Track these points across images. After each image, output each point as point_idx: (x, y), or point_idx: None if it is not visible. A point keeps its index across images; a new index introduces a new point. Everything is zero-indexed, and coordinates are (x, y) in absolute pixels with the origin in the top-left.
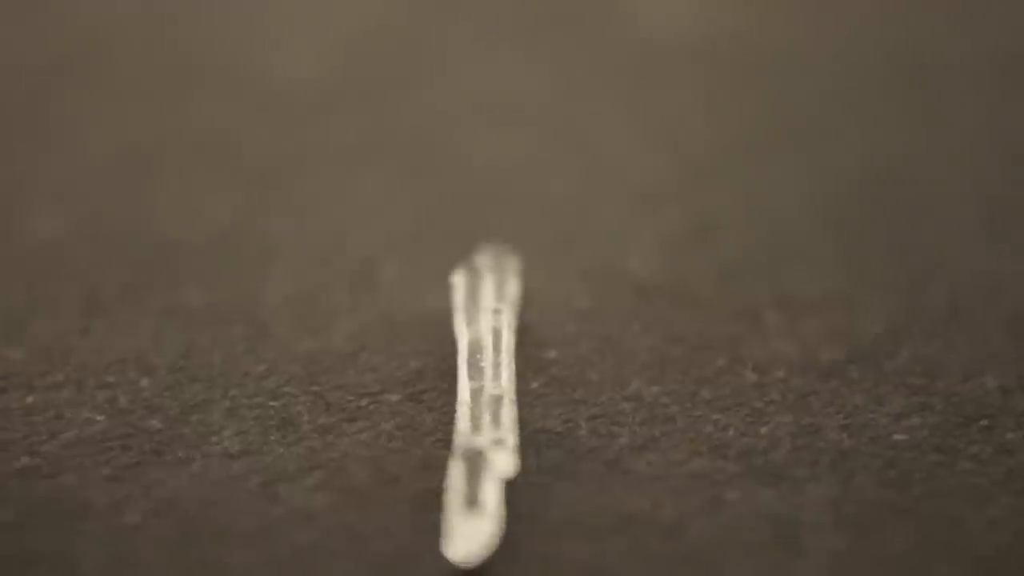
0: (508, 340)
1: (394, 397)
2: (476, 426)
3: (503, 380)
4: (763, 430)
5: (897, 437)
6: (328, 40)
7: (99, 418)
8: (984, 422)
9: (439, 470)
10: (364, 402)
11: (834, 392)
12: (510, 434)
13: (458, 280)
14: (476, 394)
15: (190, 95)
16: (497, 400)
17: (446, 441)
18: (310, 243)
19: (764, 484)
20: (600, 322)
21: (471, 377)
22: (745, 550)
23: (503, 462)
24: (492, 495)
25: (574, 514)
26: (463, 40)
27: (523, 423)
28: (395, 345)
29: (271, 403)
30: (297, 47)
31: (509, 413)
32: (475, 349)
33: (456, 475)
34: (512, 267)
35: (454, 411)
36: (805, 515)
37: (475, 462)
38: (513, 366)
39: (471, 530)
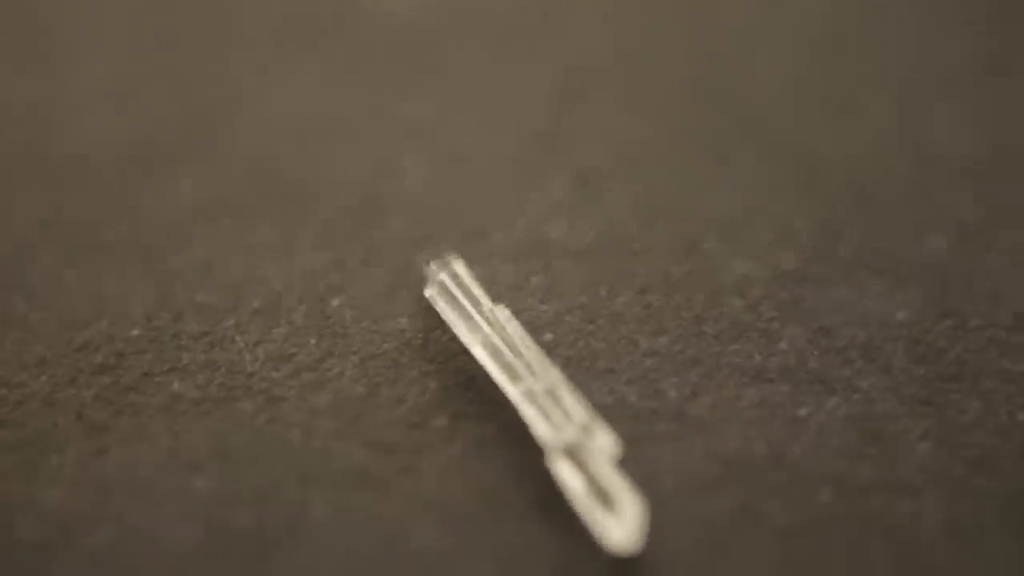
0: (521, 332)
1: (441, 421)
2: (553, 424)
3: (546, 371)
4: (783, 345)
5: (899, 316)
6: None
7: None
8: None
9: (538, 477)
10: (416, 433)
11: (816, 292)
12: (589, 417)
13: (432, 294)
14: (530, 395)
15: None
16: (552, 392)
17: (524, 447)
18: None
19: (822, 391)
20: (567, 295)
21: (512, 380)
22: (841, 454)
23: (607, 444)
24: (616, 478)
25: (681, 473)
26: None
27: None
28: (407, 372)
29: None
30: None
31: (572, 399)
32: (496, 353)
33: (568, 475)
34: (461, 266)
35: (511, 418)
36: (876, 408)
37: (579, 455)
38: (543, 353)
39: (621, 519)
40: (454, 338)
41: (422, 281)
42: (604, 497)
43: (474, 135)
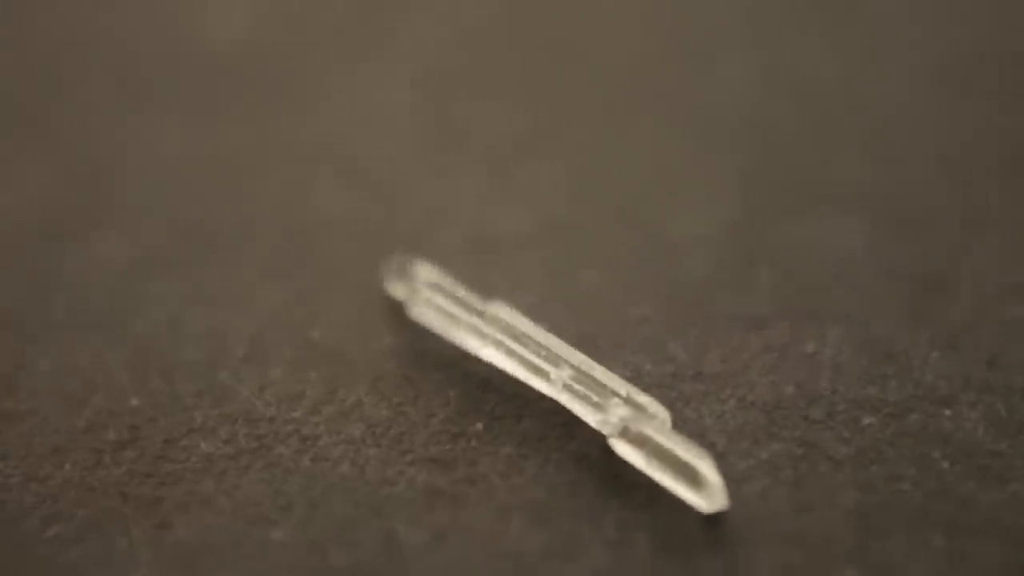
0: (526, 323)
1: (479, 427)
2: (599, 406)
3: (569, 354)
4: (762, 290)
5: (858, 242)
6: None
7: None
8: None
9: (600, 460)
10: (462, 442)
11: (773, 233)
12: (631, 389)
13: (419, 311)
14: (564, 384)
15: None
16: (583, 377)
17: (573, 434)
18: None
19: (819, 325)
20: (534, 284)
21: (537, 375)
22: (864, 380)
23: (658, 413)
24: (679, 442)
25: (727, 429)
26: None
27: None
28: (422, 386)
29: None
30: None
31: (605, 377)
32: (510, 352)
33: (632, 452)
34: (429, 272)
35: (546, 409)
36: (874, 331)
37: (636, 430)
38: (554, 338)
39: (702, 480)
40: (447, 345)
41: (385, 296)
42: (677, 463)
43: (371, 146)
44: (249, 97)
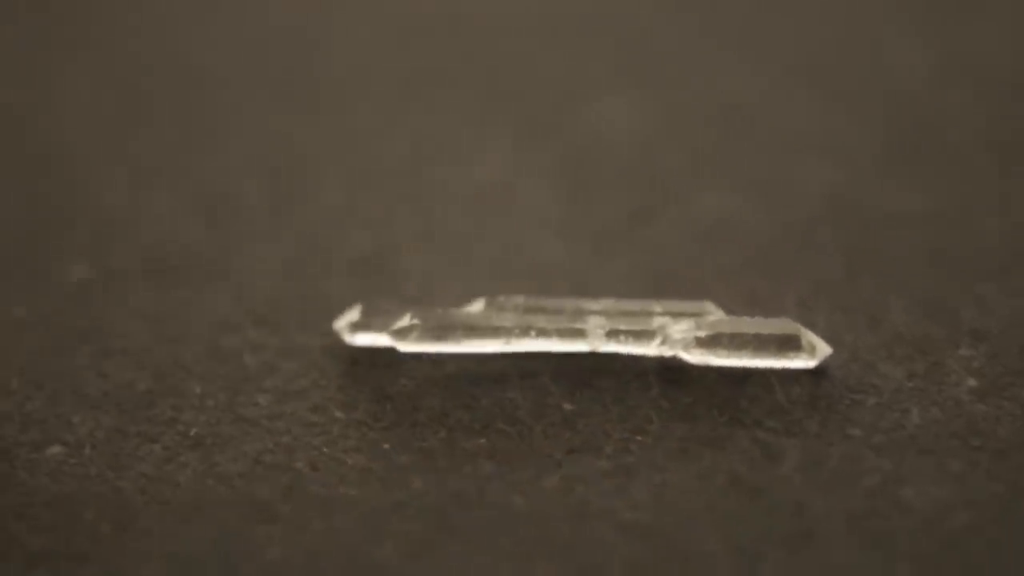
0: (516, 301)
1: (564, 411)
2: (651, 336)
3: (592, 303)
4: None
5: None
6: None
7: None
8: None
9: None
10: (569, 434)
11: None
12: (666, 306)
13: (416, 346)
14: (592, 335)
15: None
16: (617, 317)
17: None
18: None
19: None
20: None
21: (576, 336)
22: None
23: (708, 309)
24: (750, 321)
25: None
26: None
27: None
28: (479, 400)
29: None
30: None
31: (636, 307)
32: (541, 331)
33: (714, 356)
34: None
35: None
36: None
37: (706, 336)
38: (547, 300)
39: (799, 343)
40: (448, 357)
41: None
42: (760, 340)
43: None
44: None
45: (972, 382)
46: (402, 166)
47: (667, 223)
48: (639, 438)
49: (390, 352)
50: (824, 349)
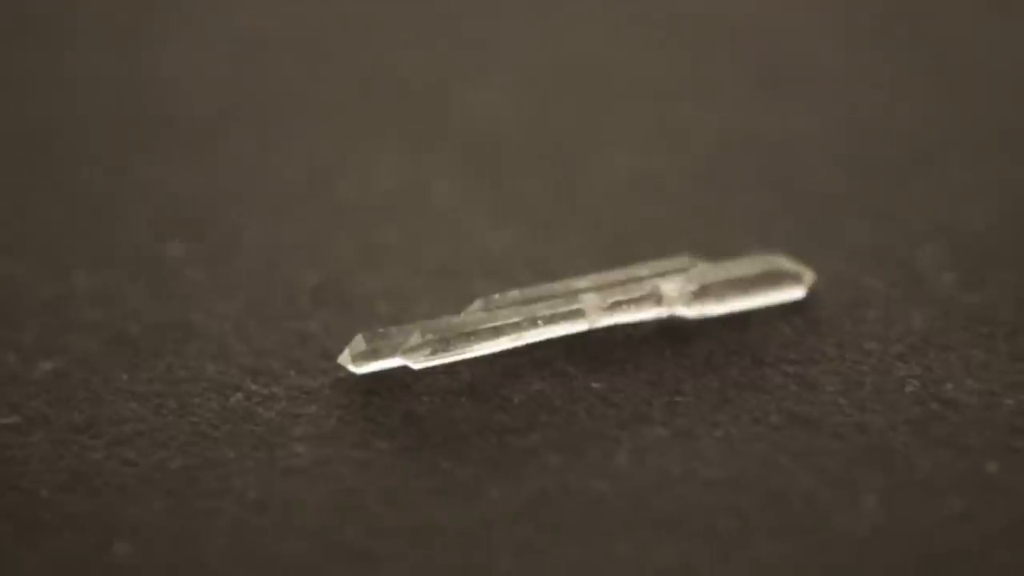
0: (511, 295)
1: (596, 390)
2: (644, 300)
3: (581, 280)
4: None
5: None
6: None
7: None
8: None
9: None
10: (614, 411)
11: None
12: (651, 267)
13: (424, 348)
14: (591, 312)
15: None
16: (608, 290)
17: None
18: None
19: None
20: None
21: (568, 320)
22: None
23: (691, 263)
24: (734, 264)
25: None
26: None
27: None
28: (514, 393)
29: None
30: None
31: (624, 275)
32: (548, 319)
33: (709, 307)
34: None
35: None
36: None
37: (697, 288)
38: (538, 288)
39: (786, 275)
40: (459, 365)
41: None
42: (747, 281)
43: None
44: None
45: (950, 275)
46: (306, 190)
47: (588, 189)
48: (679, 399)
49: (397, 373)
50: (810, 275)
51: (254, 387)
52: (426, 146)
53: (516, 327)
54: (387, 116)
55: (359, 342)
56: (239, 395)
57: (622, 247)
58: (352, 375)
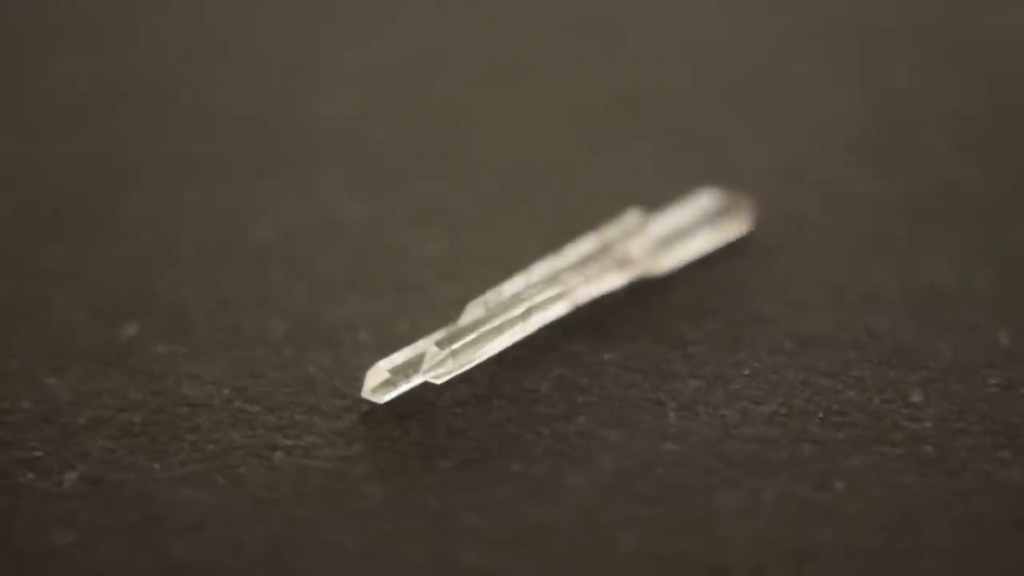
0: (503, 290)
1: (609, 355)
2: (619, 269)
3: (560, 259)
4: None
5: None
6: None
7: None
8: None
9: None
10: (640, 389)
11: None
12: (604, 237)
13: (445, 362)
14: (573, 290)
15: None
16: (574, 269)
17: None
18: None
19: None
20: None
21: (557, 302)
22: None
23: (633, 220)
24: (672, 214)
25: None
26: None
27: None
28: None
29: None
30: None
31: (576, 254)
32: (545, 307)
33: (657, 262)
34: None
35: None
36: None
37: (647, 246)
38: (524, 277)
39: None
40: (471, 370)
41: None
42: (689, 228)
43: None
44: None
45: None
46: (231, 240)
47: (497, 176)
48: (691, 349)
49: (417, 393)
50: (750, 201)
51: (289, 442)
52: (326, 174)
53: (515, 321)
54: (284, 156)
55: (377, 372)
56: (279, 453)
57: (564, 220)
58: (374, 405)
